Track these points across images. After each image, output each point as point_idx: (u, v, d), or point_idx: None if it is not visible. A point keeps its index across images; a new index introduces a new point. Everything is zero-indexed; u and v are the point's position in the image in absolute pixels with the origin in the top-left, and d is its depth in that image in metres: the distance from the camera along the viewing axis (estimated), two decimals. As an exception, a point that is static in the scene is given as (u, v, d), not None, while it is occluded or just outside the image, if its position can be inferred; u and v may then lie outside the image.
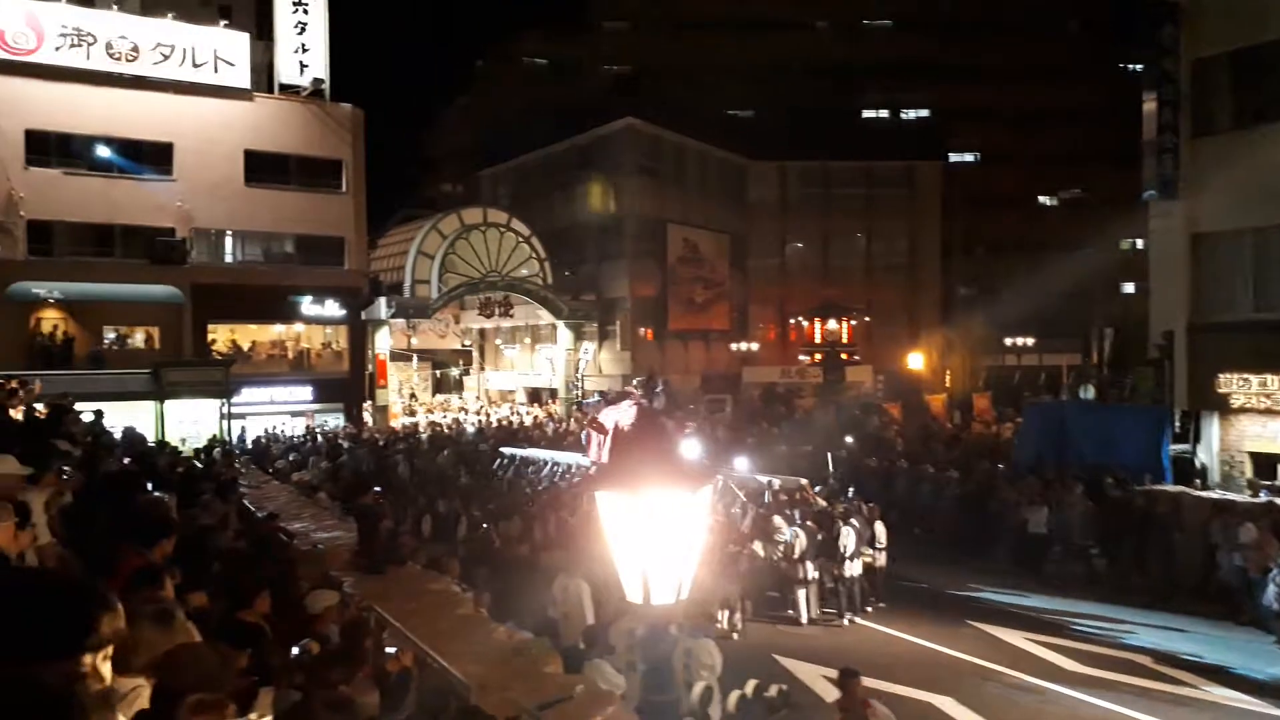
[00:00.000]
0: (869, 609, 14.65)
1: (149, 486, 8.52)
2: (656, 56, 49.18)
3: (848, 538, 14.54)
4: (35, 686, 1.34)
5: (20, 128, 26.81)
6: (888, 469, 21.09)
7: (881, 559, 15.22)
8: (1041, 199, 50.15)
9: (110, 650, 1.66)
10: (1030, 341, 36.10)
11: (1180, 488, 17.15)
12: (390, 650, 6.67)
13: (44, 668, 1.48)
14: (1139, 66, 38.60)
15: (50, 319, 27.64)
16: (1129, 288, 43.03)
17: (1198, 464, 18.93)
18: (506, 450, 22.24)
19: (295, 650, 5.27)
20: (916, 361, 38.34)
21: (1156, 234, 20.07)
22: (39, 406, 12.14)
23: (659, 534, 2.86)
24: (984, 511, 18.48)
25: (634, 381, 31.68)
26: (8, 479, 4.75)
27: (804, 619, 14.13)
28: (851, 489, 17.17)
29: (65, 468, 6.44)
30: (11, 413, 10.32)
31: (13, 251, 26.64)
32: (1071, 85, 47.19)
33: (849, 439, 23.96)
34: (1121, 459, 18.44)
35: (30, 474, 5.19)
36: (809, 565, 14.22)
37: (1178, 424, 19.42)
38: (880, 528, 15.32)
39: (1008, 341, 36.50)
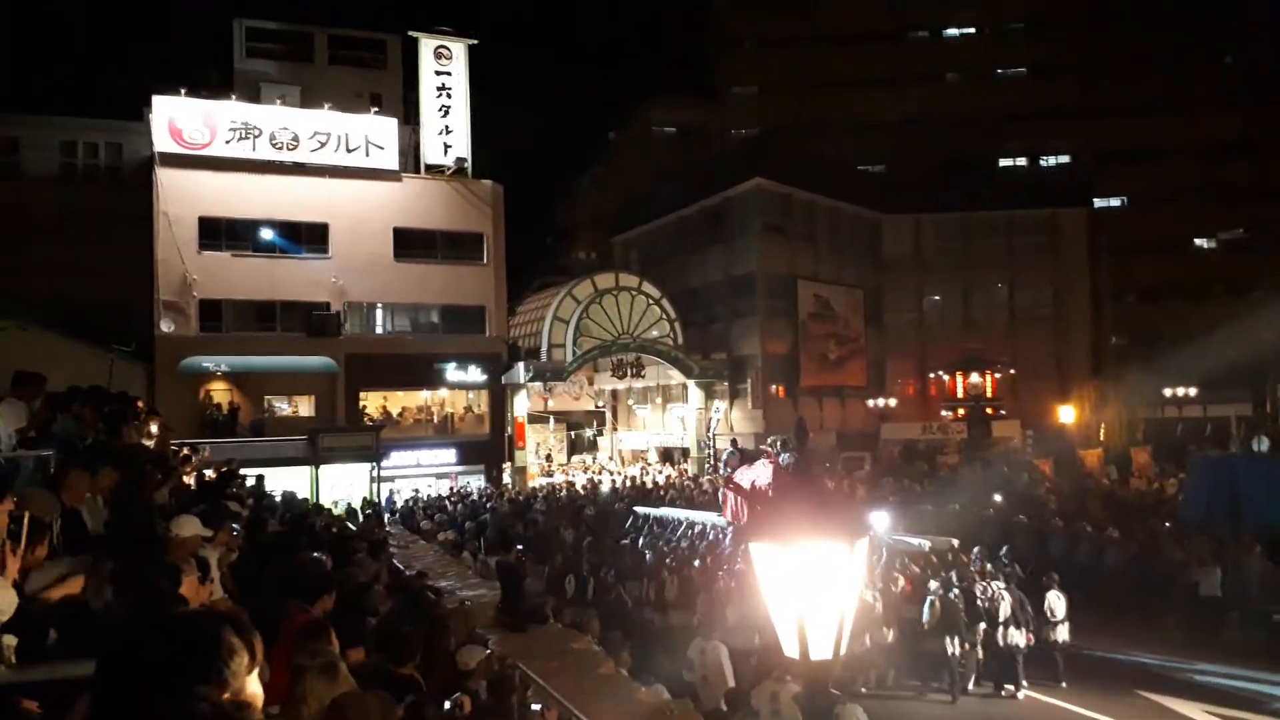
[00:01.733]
0: (1025, 682, 13.71)
1: (307, 546, 8.96)
2: (785, 118, 49.55)
3: (1002, 604, 13.82)
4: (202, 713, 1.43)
5: (194, 215, 29.19)
6: (1040, 528, 20.06)
7: (1059, 633, 13.96)
8: (1198, 241, 47.43)
9: (251, 681, 1.77)
10: (1193, 392, 33.77)
11: (1374, 549, 15.65)
12: (536, 707, 6.75)
13: (193, 696, 1.59)
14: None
15: (218, 390, 29.65)
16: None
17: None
18: (640, 510, 22.27)
19: (447, 705, 5.41)
20: (1068, 415, 36.49)
21: (1332, 273, 18.67)
22: (208, 472, 12.98)
23: (816, 587, 2.85)
24: (1149, 573, 17.31)
25: (769, 440, 31.35)
26: (193, 539, 5.11)
27: (955, 687, 13.48)
28: (1005, 549, 16.27)
29: (235, 526, 6.86)
30: (184, 478, 11.09)
31: (186, 329, 28.84)
32: (1224, 120, 44.79)
33: (997, 497, 22.95)
34: (1304, 516, 16.98)
35: (210, 535, 5.57)
36: (966, 631, 13.58)
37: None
38: (1055, 597, 14.27)
39: (1167, 393, 34.27)
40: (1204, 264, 46.06)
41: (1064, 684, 13.64)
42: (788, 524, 2.93)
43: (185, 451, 12.10)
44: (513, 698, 6.73)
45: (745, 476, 19.80)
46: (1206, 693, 13.07)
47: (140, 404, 11.03)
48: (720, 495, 20.06)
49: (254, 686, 1.80)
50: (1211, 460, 23.00)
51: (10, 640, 3.01)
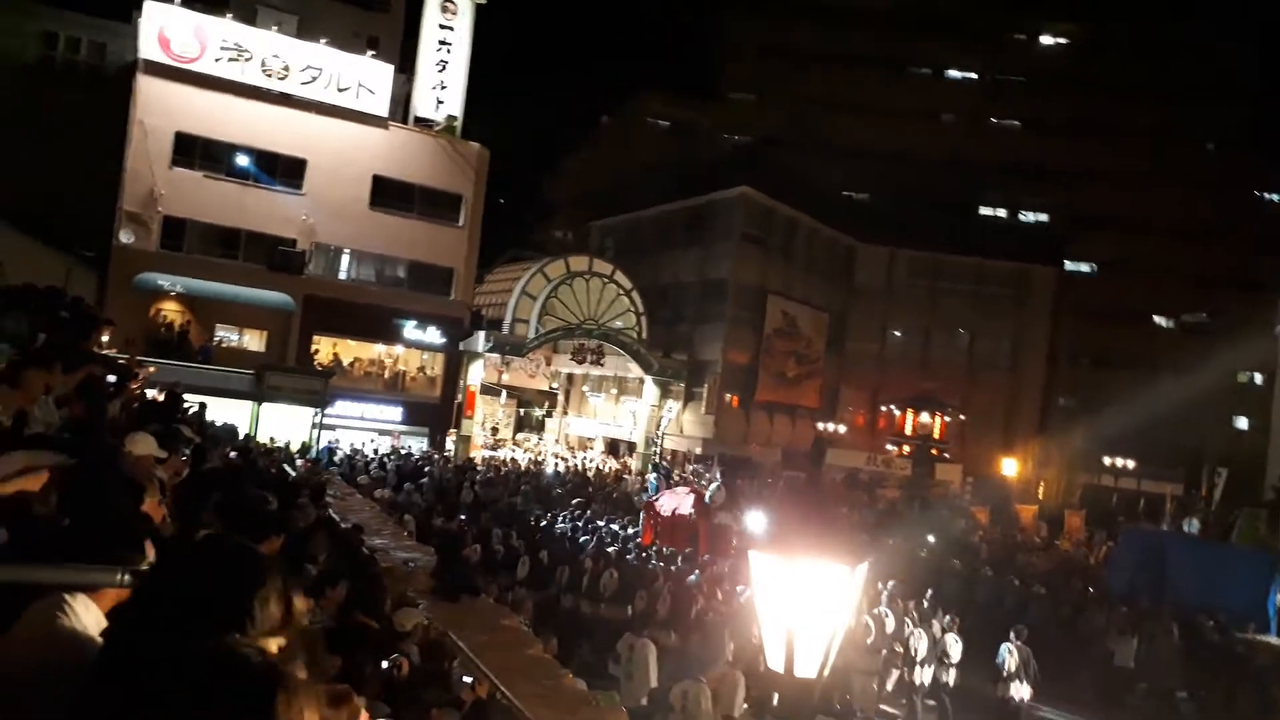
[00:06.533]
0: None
1: (252, 483, 8.70)
2: (778, 130, 49.63)
3: (920, 641, 14.03)
4: (243, 662, 1.30)
5: (171, 129, 28.33)
6: (970, 575, 20.34)
7: (1015, 689, 14.03)
8: (1157, 319, 48.54)
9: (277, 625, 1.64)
10: (1131, 464, 34.59)
11: (1285, 642, 16.10)
12: (467, 680, 6.62)
13: (231, 639, 1.46)
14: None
15: (170, 311, 28.90)
16: (1241, 423, 41.17)
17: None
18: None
19: (385, 664, 5.25)
20: (1010, 468, 37.13)
21: (1285, 370, 19.18)
22: (150, 392, 12.57)
23: (811, 605, 2.77)
24: (1070, 634, 17.64)
25: (691, 470, 31.55)
26: (146, 458, 4.88)
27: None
28: (930, 591, 16.45)
29: (186, 452, 6.62)
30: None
31: (146, 243, 28.02)
32: (1201, 202, 45.84)
33: (931, 538, 23.23)
34: (1223, 601, 17.43)
35: (164, 457, 5.34)
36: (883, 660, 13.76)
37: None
38: (952, 640, 14.49)
39: (1106, 461, 35.04)
40: (1161, 341, 47.06)
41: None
42: (793, 539, 2.85)
43: (136, 368, 11.70)
44: (446, 665, 6.59)
45: (666, 504, 19.97)
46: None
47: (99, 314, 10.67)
48: (640, 518, 20.17)
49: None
50: (1142, 534, 23.57)
51: (-38, 536, 2.80)
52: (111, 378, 7.89)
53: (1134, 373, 43.77)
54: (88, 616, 2.41)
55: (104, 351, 9.58)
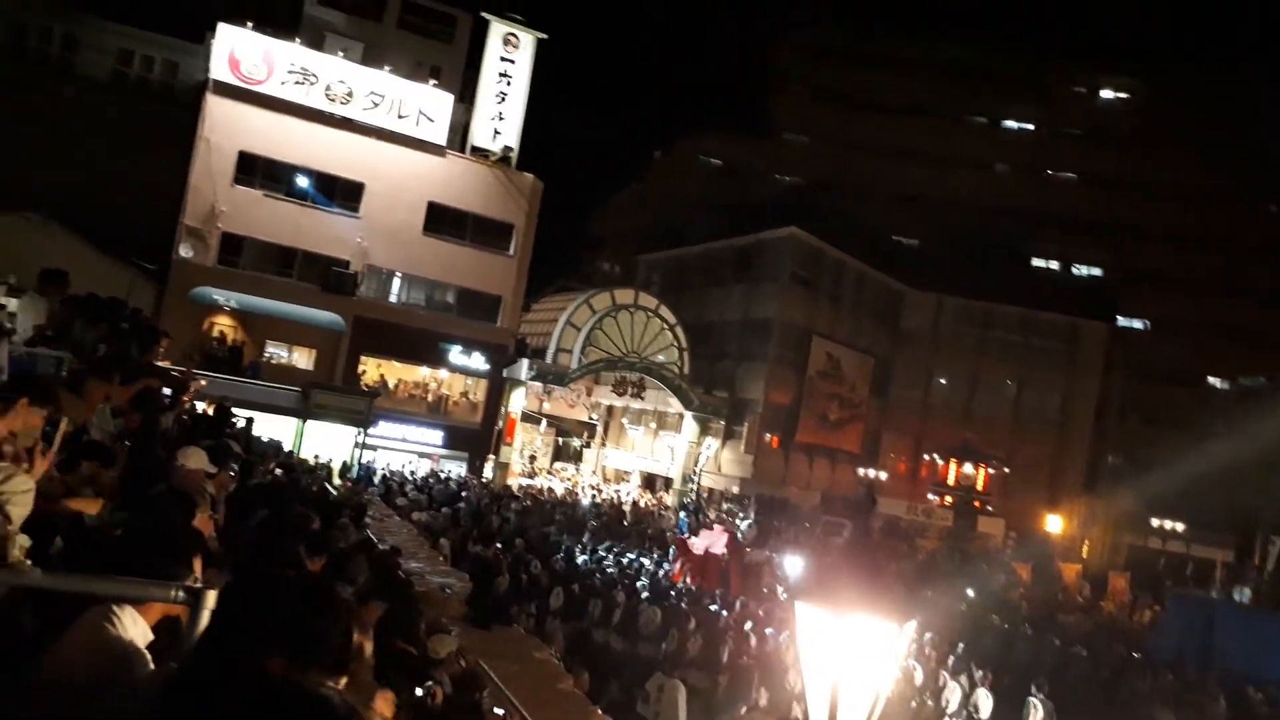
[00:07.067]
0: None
1: (295, 501, 8.80)
2: (830, 172, 49.69)
3: (952, 694, 13.74)
4: (325, 701, 1.31)
5: (235, 148, 29.07)
6: (1010, 633, 19.85)
7: None
8: (1211, 379, 47.45)
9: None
10: (1180, 527, 33.68)
11: (1340, 719, 15.50)
12: (499, 711, 6.58)
13: (320, 679, 1.46)
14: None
15: (223, 325, 29.46)
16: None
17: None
18: None
19: (419, 691, 5.24)
20: (1054, 525, 36.29)
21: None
22: (199, 405, 12.77)
23: (858, 660, 2.73)
24: (1109, 697, 17.11)
25: (725, 508, 31.35)
26: (198, 472, 4.96)
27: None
28: (961, 645, 16.12)
29: (234, 467, 6.72)
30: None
31: (204, 258, 28.67)
32: (1261, 265, 44.91)
33: (970, 592, 22.76)
34: (1273, 673, 16.86)
35: (214, 471, 5.43)
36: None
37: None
38: (983, 695, 14.24)
39: (1155, 523, 34.14)
40: (1215, 402, 45.94)
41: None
42: (842, 592, 2.82)
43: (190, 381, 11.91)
44: (477, 696, 6.56)
45: (699, 543, 19.92)
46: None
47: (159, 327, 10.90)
48: (671, 554, 20.10)
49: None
50: (1190, 600, 22.91)
51: (25, 541, 2.88)
52: (167, 391, 8.07)
53: (1186, 433, 42.63)
54: (135, 628, 2.45)
55: (159, 364, 9.77)
